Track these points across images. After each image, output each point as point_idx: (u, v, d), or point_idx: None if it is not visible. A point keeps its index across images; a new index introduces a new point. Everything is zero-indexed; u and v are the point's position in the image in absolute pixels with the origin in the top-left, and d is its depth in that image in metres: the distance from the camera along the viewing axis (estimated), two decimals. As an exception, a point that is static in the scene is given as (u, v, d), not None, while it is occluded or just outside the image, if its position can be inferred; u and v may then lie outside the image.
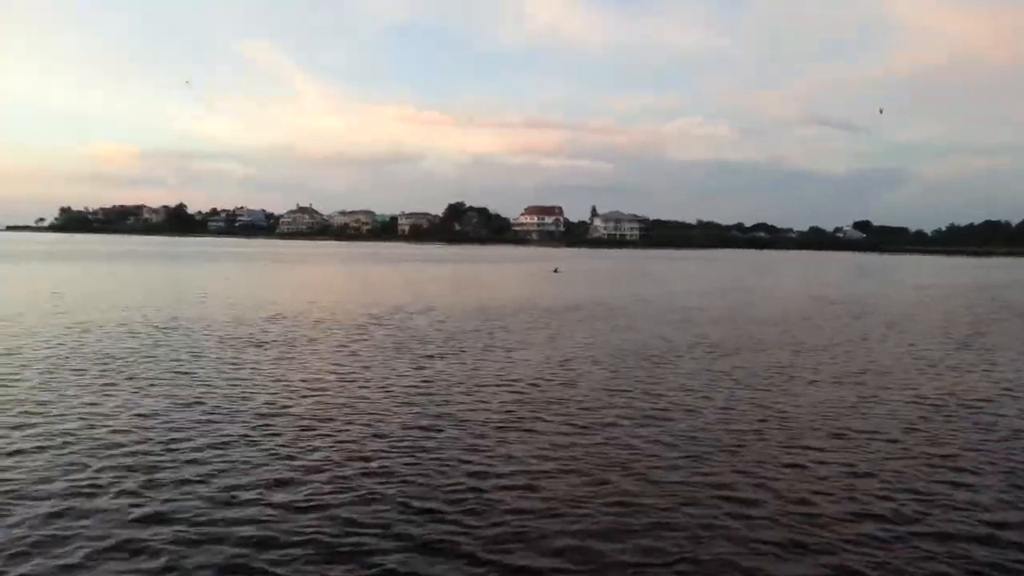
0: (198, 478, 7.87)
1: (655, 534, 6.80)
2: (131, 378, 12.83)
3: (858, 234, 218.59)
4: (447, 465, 8.55)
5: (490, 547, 6.47)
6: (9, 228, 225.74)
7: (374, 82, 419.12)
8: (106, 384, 12.29)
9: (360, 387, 12.71)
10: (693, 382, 13.88)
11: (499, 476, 8.23)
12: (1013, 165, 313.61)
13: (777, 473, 8.53)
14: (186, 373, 13.48)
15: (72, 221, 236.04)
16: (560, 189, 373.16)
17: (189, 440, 9.22)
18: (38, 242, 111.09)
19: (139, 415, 10.35)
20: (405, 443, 9.38)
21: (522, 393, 12.54)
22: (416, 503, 7.36)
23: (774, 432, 10.39)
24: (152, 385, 12.33)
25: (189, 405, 11.05)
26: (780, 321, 24.97)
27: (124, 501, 7.18)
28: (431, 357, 15.92)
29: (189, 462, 8.37)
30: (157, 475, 7.92)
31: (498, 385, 13.17)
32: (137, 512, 6.93)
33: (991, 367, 16.55)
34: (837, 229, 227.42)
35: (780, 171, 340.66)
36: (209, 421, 10.17)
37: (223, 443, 9.15)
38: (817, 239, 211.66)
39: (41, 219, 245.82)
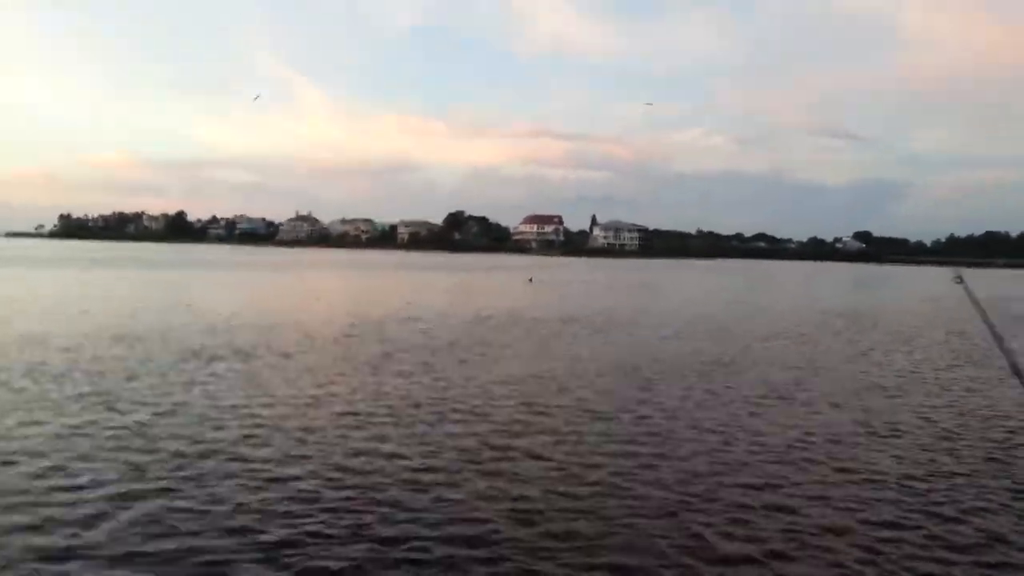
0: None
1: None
2: (69, 397, 11.85)
3: (858, 245, 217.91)
4: (395, 506, 7.61)
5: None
6: (8, 235, 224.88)
7: (377, 91, 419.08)
8: (46, 399, 11.37)
9: (317, 408, 11.70)
10: (681, 405, 12.94)
11: (449, 519, 7.30)
12: (1016, 177, 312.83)
13: (765, 523, 7.53)
14: (122, 392, 12.36)
15: (71, 228, 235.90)
16: (561, 199, 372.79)
17: (106, 467, 8.29)
18: (35, 248, 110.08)
19: (56, 437, 9.41)
20: (355, 479, 8.43)
21: (489, 419, 11.55)
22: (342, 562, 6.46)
23: (767, 467, 9.41)
24: (76, 404, 11.38)
25: (112, 429, 10.10)
26: (778, 335, 24.03)
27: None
28: (403, 375, 14.94)
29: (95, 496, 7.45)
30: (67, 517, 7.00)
31: (468, 410, 12.16)
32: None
33: (1007, 388, 15.54)
34: (836, 240, 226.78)
35: (781, 181, 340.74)
36: (144, 448, 9.22)
37: (144, 472, 8.21)
38: (816, 250, 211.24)
39: (41, 226, 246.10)
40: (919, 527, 7.42)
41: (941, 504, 8.08)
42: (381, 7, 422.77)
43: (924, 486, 8.71)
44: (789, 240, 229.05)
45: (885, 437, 11.11)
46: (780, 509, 7.76)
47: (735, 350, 20.12)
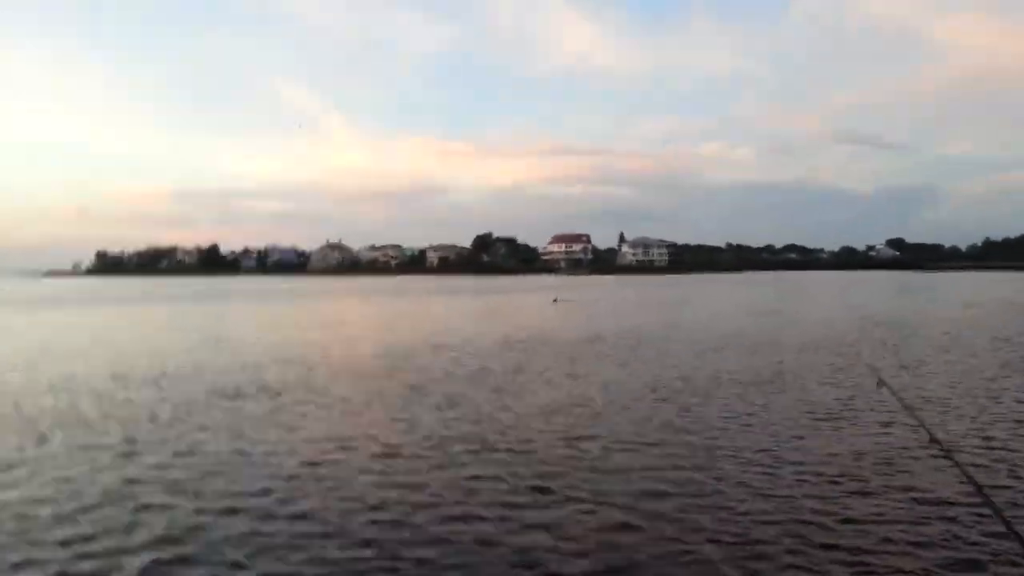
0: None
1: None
2: (91, 446, 11.65)
3: (891, 252, 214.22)
4: (422, 565, 7.18)
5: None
6: (47, 274, 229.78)
7: (402, 115, 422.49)
8: (71, 446, 11.18)
9: (343, 451, 11.31)
10: (722, 431, 12.36)
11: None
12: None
13: (826, 568, 6.95)
14: (144, 438, 12.12)
15: (108, 265, 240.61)
16: (588, 216, 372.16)
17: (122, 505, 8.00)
18: (74, 288, 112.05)
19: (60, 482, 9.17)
20: (379, 532, 8.04)
21: (523, 456, 11.09)
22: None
23: (820, 500, 8.81)
24: (97, 452, 11.15)
25: (131, 478, 9.83)
26: (815, 348, 23.23)
27: None
28: (434, 408, 14.50)
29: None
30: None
31: (502, 447, 11.72)
32: None
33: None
34: (870, 248, 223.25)
35: (810, 191, 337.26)
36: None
37: (156, 525, 7.89)
38: (849, 259, 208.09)
39: (78, 264, 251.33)
40: (993, 562, 6.84)
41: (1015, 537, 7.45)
42: (402, 32, 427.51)
43: (992, 513, 8.06)
44: (821, 250, 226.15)
45: (942, 458, 10.44)
46: (840, 549, 7.18)
47: (772, 366, 19.51)
